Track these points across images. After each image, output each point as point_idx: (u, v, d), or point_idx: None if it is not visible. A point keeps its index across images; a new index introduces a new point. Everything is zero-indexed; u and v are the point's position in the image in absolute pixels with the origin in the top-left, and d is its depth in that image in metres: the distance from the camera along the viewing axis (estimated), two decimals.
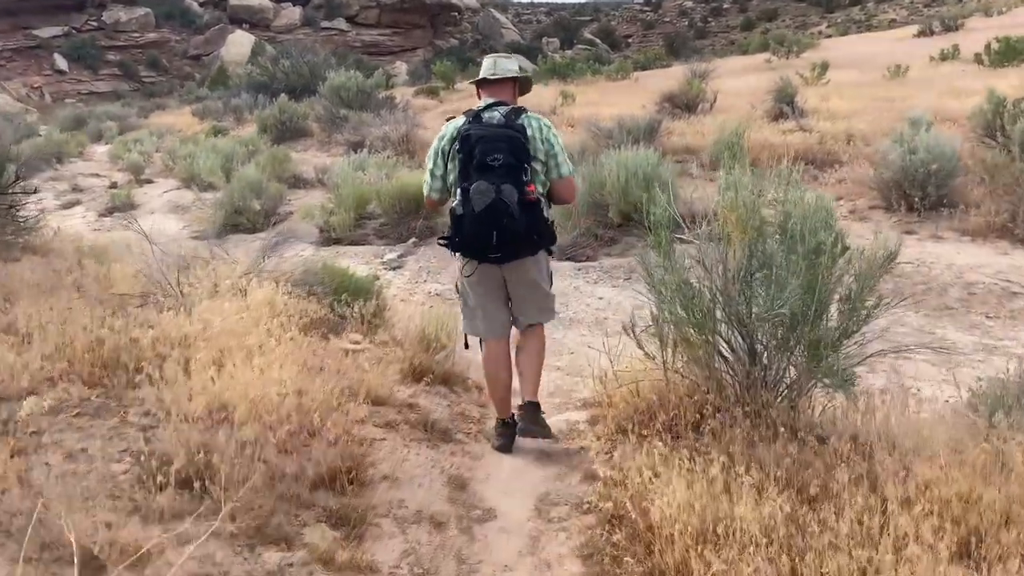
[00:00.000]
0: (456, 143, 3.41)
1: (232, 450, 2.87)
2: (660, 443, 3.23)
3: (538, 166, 3.50)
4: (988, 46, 18.48)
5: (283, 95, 21.42)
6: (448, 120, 3.63)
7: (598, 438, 3.78)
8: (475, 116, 3.47)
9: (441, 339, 4.86)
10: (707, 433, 3.22)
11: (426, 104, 25.91)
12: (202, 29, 63.49)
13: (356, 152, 15.59)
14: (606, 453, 3.60)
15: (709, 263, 3.51)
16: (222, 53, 55.52)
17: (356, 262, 8.85)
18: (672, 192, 8.23)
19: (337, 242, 9.80)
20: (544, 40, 77.60)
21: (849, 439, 3.04)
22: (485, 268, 3.59)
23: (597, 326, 6.49)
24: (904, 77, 18.46)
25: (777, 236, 3.49)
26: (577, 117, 15.79)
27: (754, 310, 3.41)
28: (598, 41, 77.92)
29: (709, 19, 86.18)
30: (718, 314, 3.48)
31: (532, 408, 3.74)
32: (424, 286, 7.91)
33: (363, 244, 9.66)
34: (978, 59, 18.76)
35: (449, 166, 3.50)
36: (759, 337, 3.45)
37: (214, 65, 50.16)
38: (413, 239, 9.42)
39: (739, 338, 3.49)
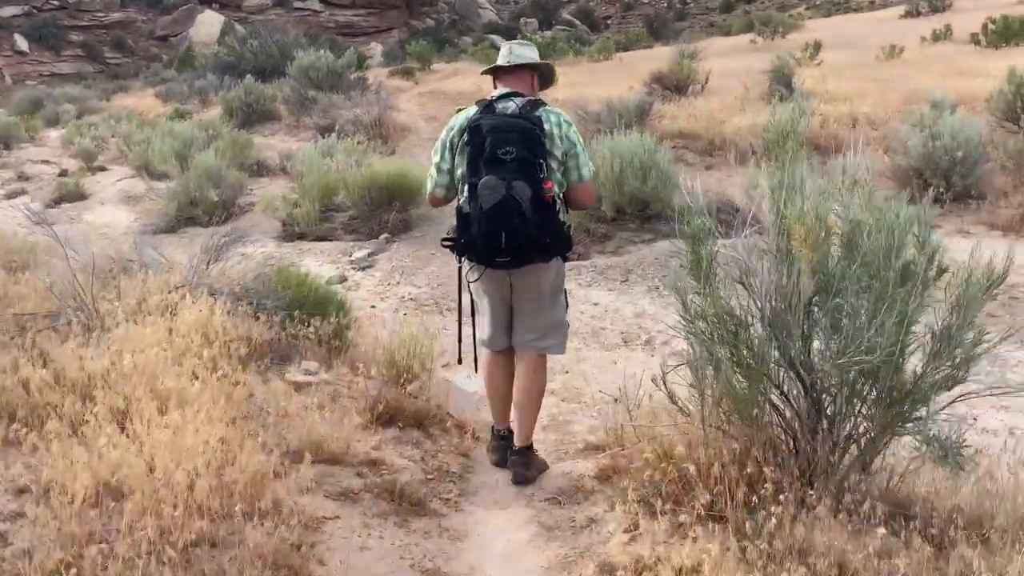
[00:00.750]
0: (465, 134, 3.09)
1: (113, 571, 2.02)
2: (701, 529, 2.44)
3: (554, 164, 3.15)
4: (985, 26, 17.80)
5: (249, 76, 20.28)
6: (458, 111, 3.29)
7: (612, 506, 2.97)
8: (487, 105, 3.15)
9: (414, 368, 4.02)
10: (766, 518, 2.40)
11: (401, 86, 24.87)
12: (170, 9, 61.56)
13: (325, 137, 14.72)
14: (625, 532, 2.79)
15: (762, 288, 2.69)
16: (190, 34, 53.88)
17: (321, 261, 7.98)
18: (673, 184, 7.41)
19: (301, 237, 8.90)
20: (522, 21, 76.38)
21: (964, 529, 2.25)
22: (492, 274, 3.22)
23: (593, 337, 5.69)
24: (899, 58, 17.74)
25: (845, 252, 2.69)
26: (562, 99, 14.86)
27: (821, 349, 2.61)
28: (577, 22, 76.80)
29: (688, 0, 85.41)
30: (773, 356, 2.67)
31: (524, 454, 3.37)
32: (397, 289, 7.05)
33: (330, 240, 8.77)
34: (975, 39, 18.09)
35: (457, 159, 3.17)
36: (826, 386, 2.64)
37: (182, 46, 48.57)
38: (385, 235, 8.54)
39: (799, 386, 2.68)
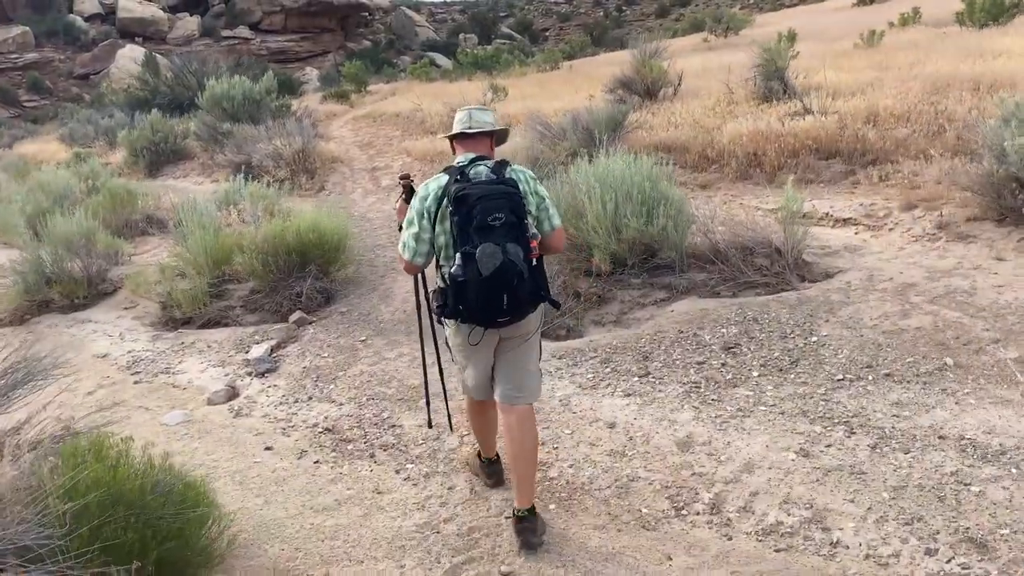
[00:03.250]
0: (449, 204, 3.05)
1: None
2: None
3: (530, 220, 3.16)
4: (971, 3, 16.17)
5: (156, 111, 17.81)
6: (426, 182, 3.21)
7: None
8: (460, 173, 3.12)
9: None
10: None
11: (334, 110, 22.69)
12: (89, 46, 58.41)
13: (233, 178, 12.41)
14: None
15: None
16: (112, 70, 50.88)
17: (206, 364, 5.69)
18: (687, 219, 5.28)
19: (187, 323, 6.58)
20: (461, 36, 74.74)
21: None
22: (486, 332, 3.23)
23: (620, 502, 3.49)
24: (881, 43, 16.01)
25: None
26: (514, 114, 12.78)
27: None
28: (516, 35, 75.39)
29: (624, 8, 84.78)
30: None
31: (530, 519, 3.23)
32: (308, 411, 4.77)
33: (225, 324, 6.46)
34: (959, 19, 16.47)
35: (437, 228, 3.13)
36: None
37: (104, 84, 45.62)
38: (298, 313, 6.27)
39: None
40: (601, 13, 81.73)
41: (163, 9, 63.96)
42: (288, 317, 6.31)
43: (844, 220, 6.70)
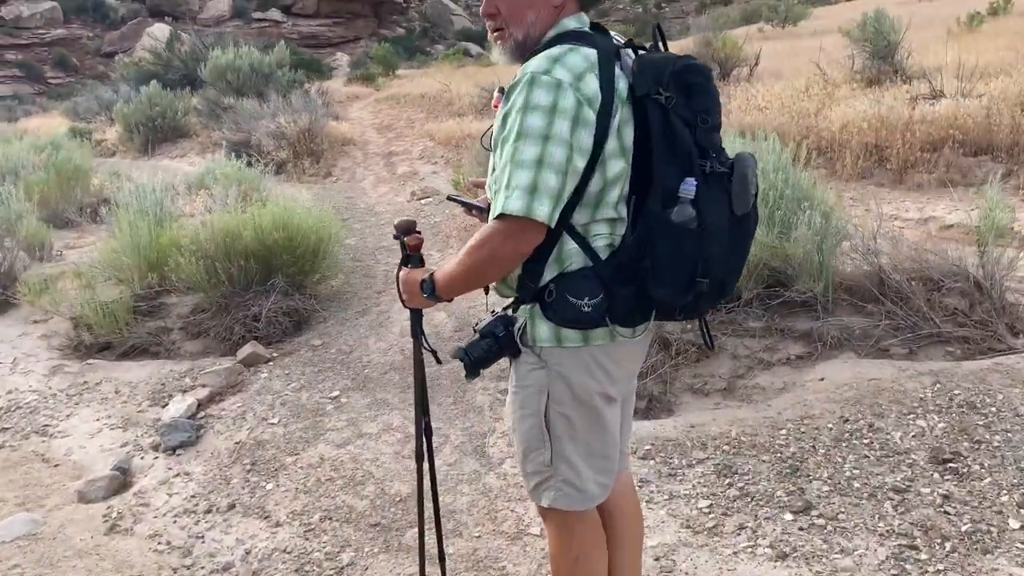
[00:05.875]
0: (659, 92, 1.55)
1: None
2: None
3: None
4: None
5: (155, 83, 16.06)
6: (551, 59, 1.54)
7: None
8: (614, 52, 1.63)
9: None
10: None
11: (358, 92, 20.97)
12: (117, 24, 57.33)
13: (239, 155, 10.62)
14: None
15: None
16: (137, 49, 49.59)
17: (102, 420, 3.83)
18: (838, 233, 3.33)
19: (105, 349, 4.70)
20: None
21: None
22: (636, 351, 1.77)
23: None
24: (981, 27, 13.88)
25: None
26: None
27: None
28: None
29: (663, 4, 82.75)
30: None
31: None
32: (223, 538, 2.82)
33: (151, 355, 4.56)
34: None
35: (611, 147, 1.57)
36: None
37: (120, 59, 44.33)
38: (250, 346, 4.34)
39: None
40: (640, 9, 79.68)
41: None
42: (238, 349, 4.42)
43: None
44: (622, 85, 1.58)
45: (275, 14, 64.34)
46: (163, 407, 3.85)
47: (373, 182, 9.77)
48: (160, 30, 53.46)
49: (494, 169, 1.59)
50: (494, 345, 1.66)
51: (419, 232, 1.81)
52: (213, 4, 62.45)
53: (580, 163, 1.52)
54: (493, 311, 1.71)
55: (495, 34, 1.69)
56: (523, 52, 1.64)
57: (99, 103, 20.52)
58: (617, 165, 1.58)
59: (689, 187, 1.55)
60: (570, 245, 1.59)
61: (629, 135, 1.58)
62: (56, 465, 3.49)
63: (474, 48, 51.71)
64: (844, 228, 3.76)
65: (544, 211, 1.48)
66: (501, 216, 1.50)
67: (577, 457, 1.69)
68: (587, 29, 1.68)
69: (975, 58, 9.03)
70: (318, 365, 4.15)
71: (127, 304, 4.70)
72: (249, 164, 7.95)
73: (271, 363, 4.25)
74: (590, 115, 1.52)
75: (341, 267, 5.34)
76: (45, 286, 4.92)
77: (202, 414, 3.74)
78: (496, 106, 1.62)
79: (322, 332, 4.57)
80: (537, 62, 1.52)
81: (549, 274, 1.59)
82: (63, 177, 7.42)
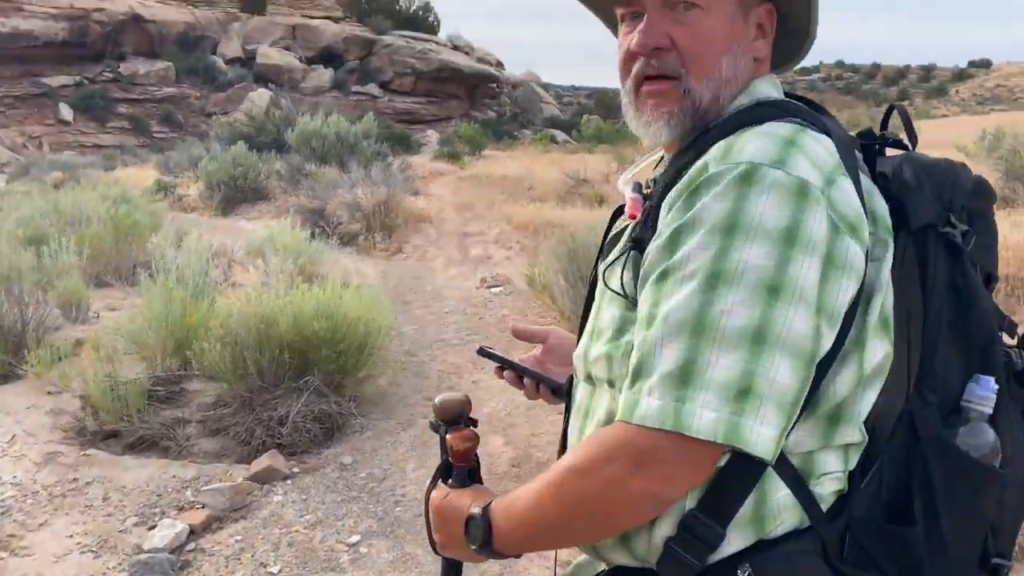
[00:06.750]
0: (934, 245, 0.89)
1: None
2: None
3: None
4: None
5: (242, 143, 16.17)
6: (787, 143, 0.84)
7: None
8: (852, 143, 0.93)
9: None
10: None
11: (441, 169, 20.86)
12: (225, 87, 60.14)
13: (314, 224, 10.35)
14: None
15: None
16: (239, 111, 51.82)
17: (69, 545, 3.12)
18: None
19: (111, 437, 4.08)
20: (584, 117, 73.95)
21: None
22: None
23: None
24: None
25: None
26: None
27: None
28: None
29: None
30: None
31: None
32: None
33: (161, 450, 3.92)
34: None
35: (875, 313, 0.87)
36: None
37: (216, 120, 46.32)
38: (268, 456, 3.64)
39: None
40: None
41: (299, 60, 65.64)
42: (259, 455, 3.73)
43: None
44: (879, 204, 0.85)
45: (373, 89, 66.62)
46: (150, 528, 3.15)
47: (444, 263, 9.22)
48: (261, 95, 55.79)
49: (623, 326, 0.88)
50: None
51: (474, 422, 1.07)
52: (315, 75, 65.08)
53: (828, 341, 0.82)
54: None
55: (649, 87, 0.96)
56: (697, 123, 0.93)
57: (189, 159, 20.93)
58: (880, 349, 0.87)
59: (987, 392, 0.90)
60: (780, 491, 0.84)
61: (891, 295, 0.86)
62: None
63: (560, 135, 52.34)
64: None
65: (765, 435, 0.77)
66: (638, 427, 0.78)
67: None
68: (787, 99, 0.97)
69: None
70: (343, 492, 3.41)
71: (142, 387, 4.09)
72: (313, 235, 7.50)
73: (289, 481, 3.54)
74: (856, 253, 0.82)
75: (390, 363, 4.66)
76: (57, 356, 4.37)
77: (192, 546, 3.03)
78: (633, 214, 0.91)
79: (355, 446, 3.85)
80: (757, 145, 0.83)
81: (738, 541, 0.84)
82: (120, 232, 7.05)
